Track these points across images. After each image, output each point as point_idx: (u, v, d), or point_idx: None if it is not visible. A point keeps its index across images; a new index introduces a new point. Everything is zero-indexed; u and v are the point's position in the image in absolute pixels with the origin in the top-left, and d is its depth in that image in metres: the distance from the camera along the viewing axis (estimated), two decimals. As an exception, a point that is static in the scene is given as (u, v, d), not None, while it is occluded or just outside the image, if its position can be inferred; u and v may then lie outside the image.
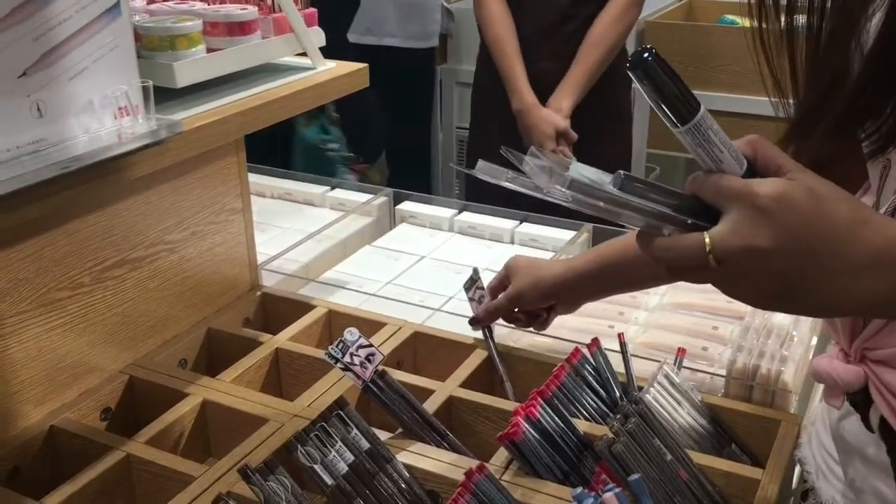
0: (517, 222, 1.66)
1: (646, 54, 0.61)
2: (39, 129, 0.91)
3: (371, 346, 1.08)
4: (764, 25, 0.78)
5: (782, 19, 0.77)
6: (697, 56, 2.78)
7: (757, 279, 0.61)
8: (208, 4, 1.26)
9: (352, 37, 3.05)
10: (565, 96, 2.09)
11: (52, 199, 0.93)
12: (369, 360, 1.08)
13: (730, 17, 2.95)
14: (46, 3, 0.89)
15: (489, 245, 1.63)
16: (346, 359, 1.05)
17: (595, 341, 1.15)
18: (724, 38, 2.78)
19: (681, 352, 1.15)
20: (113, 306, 1.16)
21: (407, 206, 1.74)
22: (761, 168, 0.65)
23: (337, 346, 1.05)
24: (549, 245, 1.59)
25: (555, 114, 2.08)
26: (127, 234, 1.16)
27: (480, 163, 0.74)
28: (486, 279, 1.51)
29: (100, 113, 0.97)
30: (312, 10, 1.30)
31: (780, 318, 1.21)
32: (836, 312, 0.64)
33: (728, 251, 0.61)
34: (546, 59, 2.12)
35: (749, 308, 1.33)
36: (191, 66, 1.11)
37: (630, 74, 0.62)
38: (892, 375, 0.72)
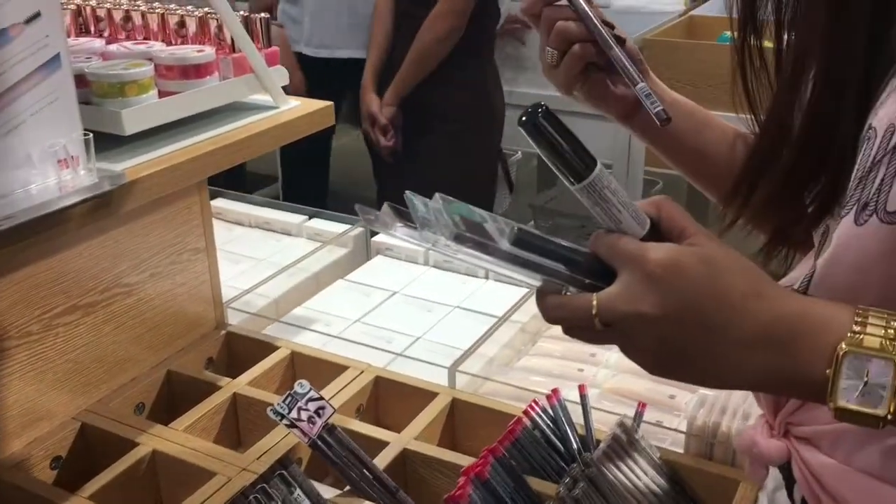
0: (493, 256, 1.63)
1: (539, 110, 0.60)
2: (-27, 185, 0.90)
3: (321, 398, 1.06)
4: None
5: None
6: (697, 73, 2.74)
7: (644, 345, 0.61)
8: (167, 45, 1.24)
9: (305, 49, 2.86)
10: (390, 87, 2.51)
11: (-12, 254, 0.92)
12: (318, 415, 1.06)
13: (730, 34, 2.91)
14: (-22, 58, 0.88)
15: (464, 280, 1.61)
16: (293, 414, 1.02)
17: (555, 392, 1.12)
18: (724, 56, 2.73)
19: (641, 406, 1.12)
20: (65, 353, 1.15)
21: (383, 237, 1.72)
22: (665, 230, 0.64)
23: (284, 401, 1.03)
24: (524, 282, 1.56)
25: (374, 99, 2.54)
26: (79, 279, 1.14)
27: (385, 207, 0.70)
28: (461, 316, 1.48)
29: (39, 166, 0.95)
30: (274, 48, 1.28)
31: (744, 373, 1.18)
32: (723, 385, 0.63)
33: (614, 315, 0.61)
34: (396, 49, 2.52)
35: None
36: (140, 113, 1.09)
37: (522, 130, 0.61)
38: (814, 455, 0.69)
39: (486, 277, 1.62)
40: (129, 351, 1.24)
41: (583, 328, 0.63)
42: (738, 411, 1.09)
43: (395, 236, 0.68)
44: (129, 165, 1.06)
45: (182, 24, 1.26)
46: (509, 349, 1.40)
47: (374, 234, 1.73)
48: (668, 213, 0.64)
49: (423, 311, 1.50)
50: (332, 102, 1.32)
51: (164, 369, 1.28)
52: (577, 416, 1.11)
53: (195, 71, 1.16)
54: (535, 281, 0.65)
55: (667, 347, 0.60)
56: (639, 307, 0.59)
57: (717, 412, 1.09)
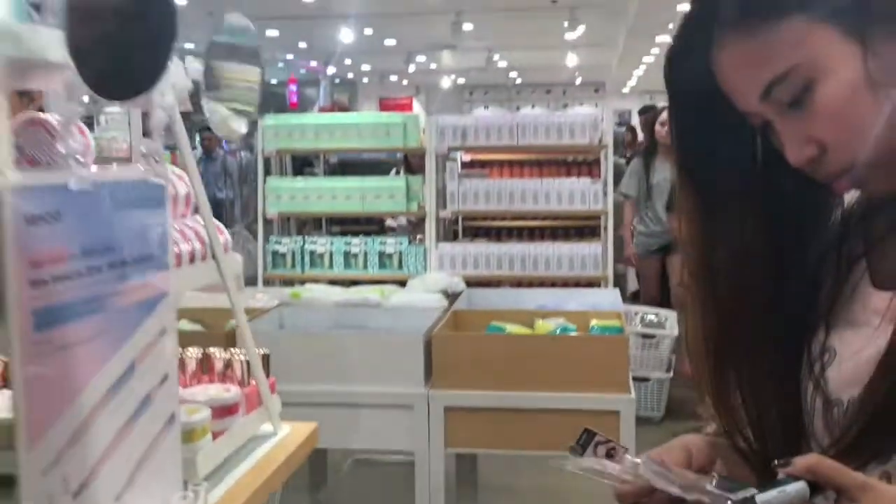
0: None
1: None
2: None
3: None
4: None
5: None
6: (485, 362, 3.04)
7: None
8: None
9: None
10: None
11: None
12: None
13: (497, 324, 3.34)
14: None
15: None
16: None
17: None
18: (498, 343, 3.11)
19: None
20: None
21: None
22: (832, 491, 0.72)
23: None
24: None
25: None
26: None
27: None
28: None
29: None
30: (272, 378, 1.38)
31: None
32: None
33: None
34: None
35: None
36: (208, 456, 1.14)
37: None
38: None
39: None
40: None
41: None
42: None
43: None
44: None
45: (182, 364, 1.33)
46: None
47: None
48: (826, 475, 0.74)
49: None
50: (315, 424, 1.43)
51: None
52: None
53: (229, 409, 1.23)
54: None
55: None
56: None
57: None
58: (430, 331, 3.17)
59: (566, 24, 9.97)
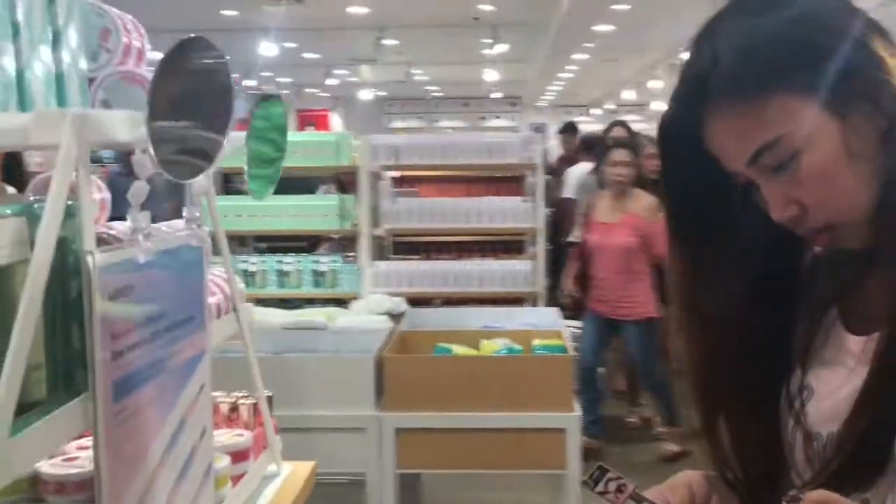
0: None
1: None
2: None
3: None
4: None
5: None
6: (434, 384, 3.11)
7: None
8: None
9: None
10: None
11: None
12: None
13: (443, 345, 3.41)
14: None
15: None
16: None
17: None
18: (446, 365, 3.19)
19: None
20: None
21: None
22: None
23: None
24: None
25: None
26: None
27: None
28: None
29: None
30: (274, 419, 1.43)
31: None
32: None
33: None
34: None
35: None
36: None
37: None
38: None
39: None
40: None
41: None
42: None
43: None
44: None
45: (187, 410, 1.36)
46: None
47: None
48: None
49: None
50: (315, 462, 1.48)
51: None
52: None
53: (243, 454, 1.28)
54: None
55: None
56: None
57: None
58: (379, 353, 3.22)
59: (488, 40, 10.14)
